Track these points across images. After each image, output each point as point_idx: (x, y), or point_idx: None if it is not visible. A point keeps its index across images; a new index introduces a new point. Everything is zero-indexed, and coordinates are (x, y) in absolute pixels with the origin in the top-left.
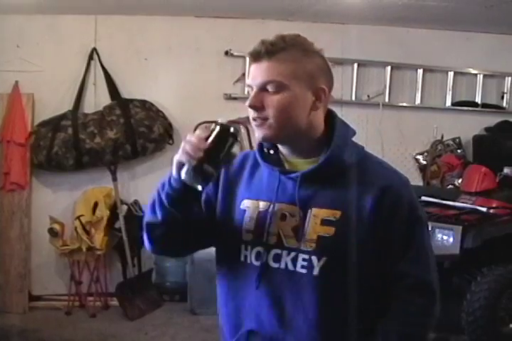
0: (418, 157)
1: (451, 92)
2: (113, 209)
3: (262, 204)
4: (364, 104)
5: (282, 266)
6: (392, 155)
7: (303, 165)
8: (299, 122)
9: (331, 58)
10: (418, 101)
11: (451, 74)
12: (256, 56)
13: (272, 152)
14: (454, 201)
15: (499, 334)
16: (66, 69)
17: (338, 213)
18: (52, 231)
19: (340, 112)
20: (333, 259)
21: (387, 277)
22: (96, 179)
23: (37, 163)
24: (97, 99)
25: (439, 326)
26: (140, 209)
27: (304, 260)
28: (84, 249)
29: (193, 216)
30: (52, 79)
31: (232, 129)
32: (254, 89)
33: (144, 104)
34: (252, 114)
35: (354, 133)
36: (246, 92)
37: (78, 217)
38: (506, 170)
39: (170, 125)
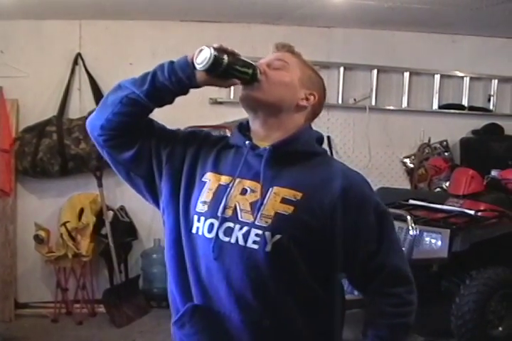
0: (405, 160)
1: (437, 95)
2: (99, 216)
3: (223, 178)
4: (350, 107)
5: (233, 240)
6: (380, 159)
7: None
8: (282, 102)
9: (317, 62)
10: (405, 104)
11: (437, 77)
12: (280, 47)
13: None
14: (441, 204)
15: (488, 337)
16: (51, 75)
17: (299, 195)
18: (37, 238)
19: (327, 116)
20: (287, 237)
21: (362, 272)
22: (81, 185)
23: (22, 169)
24: (82, 104)
25: (428, 330)
26: (126, 214)
27: (256, 235)
28: (70, 256)
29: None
30: (36, 84)
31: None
32: (266, 64)
33: None
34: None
35: (322, 137)
36: (232, 97)
37: (64, 224)
38: (494, 173)
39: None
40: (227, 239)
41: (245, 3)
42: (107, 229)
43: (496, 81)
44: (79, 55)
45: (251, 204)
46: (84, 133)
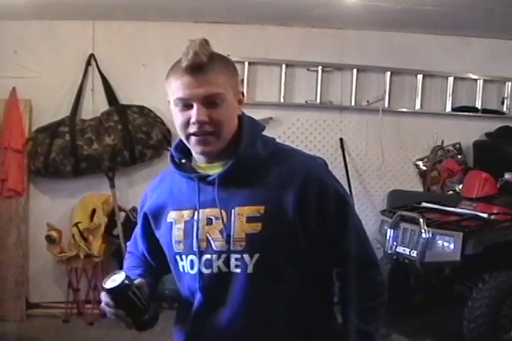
0: (418, 163)
1: (451, 98)
2: (111, 216)
3: (186, 214)
4: (364, 109)
5: (215, 270)
6: (392, 161)
7: (217, 168)
8: (232, 130)
9: (330, 64)
10: (418, 106)
11: (451, 79)
12: (191, 68)
13: (183, 161)
14: (454, 207)
15: None
16: (64, 75)
17: (261, 208)
18: (49, 238)
19: (340, 118)
20: (265, 255)
21: (331, 260)
22: (94, 185)
23: (34, 170)
24: (95, 105)
25: (440, 333)
26: None
27: (236, 260)
28: (82, 256)
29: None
30: (49, 85)
31: (121, 285)
32: (197, 103)
33: (142, 110)
34: (192, 129)
35: (263, 127)
36: (245, 98)
37: (76, 224)
38: (507, 176)
39: (168, 131)
40: (208, 271)
41: (258, 5)
42: (118, 230)
43: (510, 83)
44: (92, 55)
45: (220, 231)
46: (97, 133)
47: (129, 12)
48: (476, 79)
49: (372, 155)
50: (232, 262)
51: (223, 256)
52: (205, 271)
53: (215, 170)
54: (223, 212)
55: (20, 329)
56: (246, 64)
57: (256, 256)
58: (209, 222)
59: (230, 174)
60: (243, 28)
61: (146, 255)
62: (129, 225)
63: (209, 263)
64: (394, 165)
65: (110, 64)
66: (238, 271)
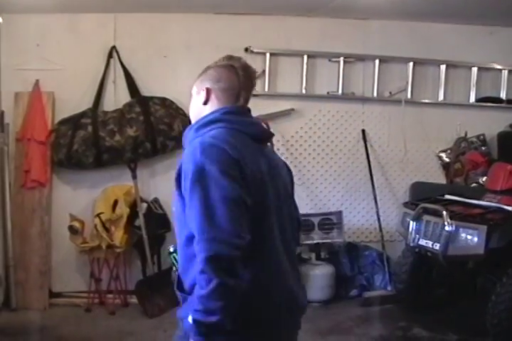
0: (441, 154)
1: (474, 88)
2: (133, 207)
3: None
4: (386, 100)
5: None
6: (415, 153)
7: None
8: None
9: (352, 54)
10: (441, 97)
11: (474, 69)
12: None
13: None
14: (478, 200)
15: None
16: (86, 68)
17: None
18: (72, 229)
19: (362, 109)
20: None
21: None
22: (116, 177)
23: (57, 161)
24: (117, 96)
25: (463, 328)
26: (160, 207)
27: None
28: (104, 247)
29: None
30: (72, 77)
31: None
32: None
33: (164, 102)
34: None
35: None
36: (266, 90)
37: (98, 215)
38: None
39: (190, 122)
40: None
41: None
42: (140, 221)
43: None
44: (114, 47)
45: None
46: (119, 125)
47: (150, 4)
48: (500, 69)
49: (395, 147)
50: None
51: None
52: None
53: None
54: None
55: (43, 318)
56: (267, 55)
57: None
58: None
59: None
60: (264, 18)
61: None
62: (150, 216)
63: None
64: (417, 157)
65: (132, 56)
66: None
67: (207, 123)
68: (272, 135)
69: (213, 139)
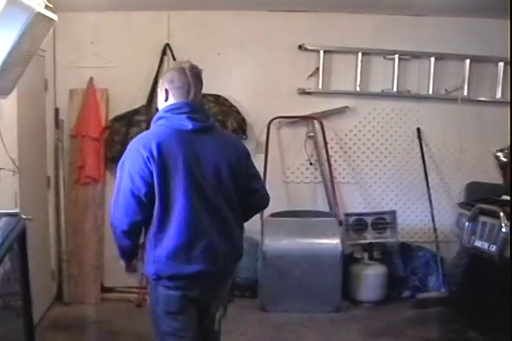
0: (498, 154)
1: None
2: None
3: None
4: (442, 98)
5: None
6: (471, 152)
7: None
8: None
9: (407, 51)
10: (499, 95)
11: None
12: None
13: None
14: None
15: None
16: (140, 65)
17: None
18: None
19: (417, 107)
20: None
21: None
22: None
23: (111, 157)
24: None
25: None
26: None
27: None
28: None
29: None
30: (126, 74)
31: None
32: None
33: (218, 99)
34: None
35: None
36: (320, 87)
37: None
38: None
39: (243, 120)
40: None
41: None
42: None
43: None
44: (167, 45)
45: None
46: None
47: (203, 2)
48: None
49: (451, 146)
50: None
51: None
52: None
53: None
54: None
55: (95, 313)
56: (321, 52)
57: None
58: None
59: None
60: (318, 15)
61: None
62: None
63: None
64: (473, 156)
65: (185, 53)
66: None
67: (156, 119)
68: (211, 126)
69: (137, 139)
